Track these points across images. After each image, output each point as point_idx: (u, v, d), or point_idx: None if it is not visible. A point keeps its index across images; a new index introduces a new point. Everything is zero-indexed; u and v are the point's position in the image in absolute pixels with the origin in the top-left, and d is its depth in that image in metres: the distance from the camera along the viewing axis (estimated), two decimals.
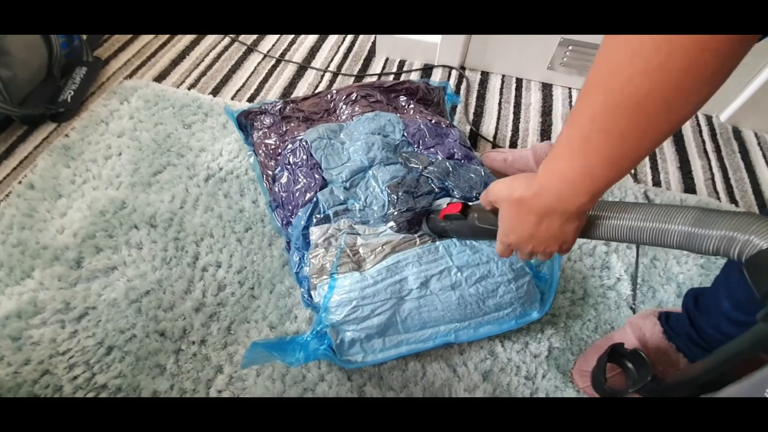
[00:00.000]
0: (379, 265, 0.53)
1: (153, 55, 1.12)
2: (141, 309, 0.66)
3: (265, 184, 0.71)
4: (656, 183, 0.94)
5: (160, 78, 1.05)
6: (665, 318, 0.56)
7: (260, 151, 0.72)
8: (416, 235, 0.57)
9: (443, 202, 0.60)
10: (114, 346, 0.63)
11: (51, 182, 0.81)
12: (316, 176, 0.62)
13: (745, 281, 0.48)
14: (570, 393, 0.63)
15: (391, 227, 0.57)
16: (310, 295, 0.55)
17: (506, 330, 0.59)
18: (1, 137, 0.89)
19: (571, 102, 1.10)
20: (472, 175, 0.63)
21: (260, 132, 0.75)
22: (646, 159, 0.98)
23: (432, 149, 0.68)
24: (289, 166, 0.65)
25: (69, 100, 0.96)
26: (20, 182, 0.81)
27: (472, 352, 0.65)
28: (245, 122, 0.79)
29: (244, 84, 1.06)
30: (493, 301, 0.56)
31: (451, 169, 0.63)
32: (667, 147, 1.02)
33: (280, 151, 0.68)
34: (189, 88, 1.02)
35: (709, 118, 1.07)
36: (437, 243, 0.56)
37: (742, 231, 0.32)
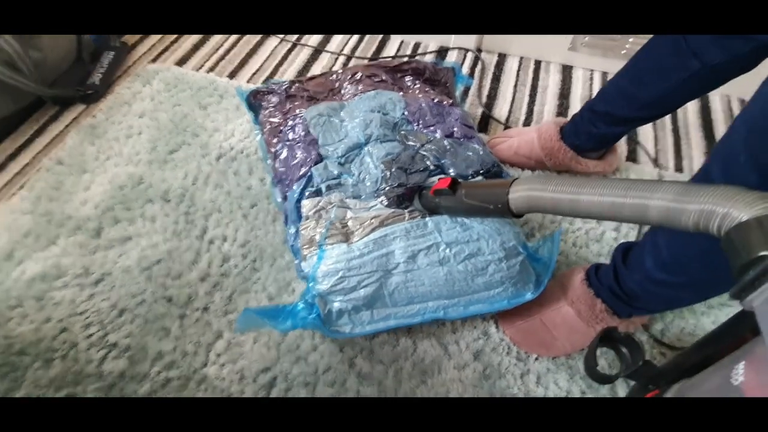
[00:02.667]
0: (366, 238, 0.54)
1: (176, 40, 1.16)
2: (151, 276, 0.70)
3: (269, 162, 0.73)
4: (678, 169, 0.89)
5: (181, 62, 1.09)
6: (595, 269, 0.60)
7: (265, 129, 0.74)
8: (406, 211, 0.57)
9: (437, 179, 0.60)
10: (125, 309, 0.67)
11: (78, 159, 0.87)
12: (313, 152, 0.63)
13: (673, 241, 0.46)
14: (563, 376, 0.62)
15: (381, 202, 0.58)
16: (302, 266, 0.57)
17: (498, 309, 0.58)
18: (34, 117, 0.96)
19: (592, 84, 1.05)
20: (470, 154, 0.62)
21: (266, 111, 0.76)
22: (669, 142, 0.93)
23: (432, 128, 0.68)
24: (288, 143, 0.67)
25: (97, 82, 1.01)
26: (50, 158, 0.87)
27: (465, 332, 0.65)
28: (255, 102, 0.82)
29: (260, 67, 1.08)
30: (482, 279, 0.55)
31: (448, 147, 0.62)
32: (694, 132, 0.96)
33: (281, 128, 0.69)
34: (208, 72, 1.06)
35: (742, 102, 1.00)
36: (426, 219, 0.56)
37: (721, 204, 0.29)
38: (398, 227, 0.55)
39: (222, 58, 1.11)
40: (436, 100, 0.72)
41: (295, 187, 0.61)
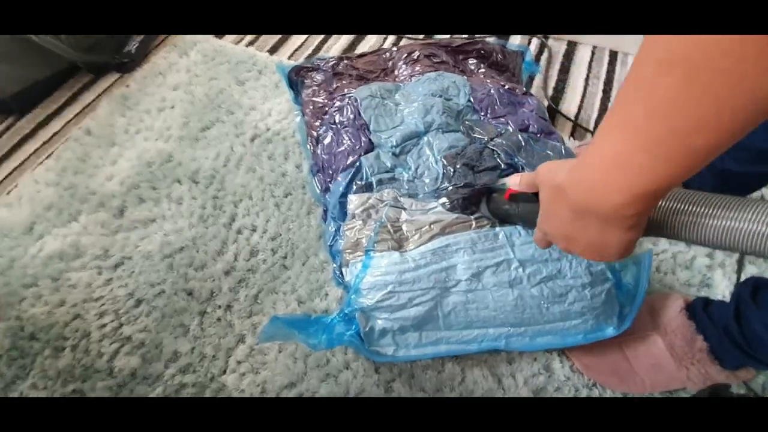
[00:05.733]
0: (423, 247, 0.45)
1: None
2: (173, 265, 0.64)
3: (309, 147, 0.64)
4: None
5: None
6: (703, 303, 0.50)
7: (307, 110, 0.65)
8: (472, 217, 0.47)
9: (510, 181, 0.50)
10: (143, 300, 0.61)
11: (107, 130, 0.81)
12: (363, 138, 0.54)
13: None
14: None
15: (443, 204, 0.48)
16: (342, 273, 0.49)
17: (571, 345, 0.48)
18: (67, 84, 0.92)
19: None
20: (549, 152, 0.52)
21: (309, 90, 0.68)
22: None
23: (502, 119, 0.57)
24: (333, 126, 0.58)
25: (133, 51, 0.96)
26: (80, 128, 0.82)
27: (523, 363, 0.55)
28: (296, 79, 0.73)
29: (303, 43, 1.00)
30: (559, 308, 0.45)
31: (523, 143, 0.52)
32: None
33: (327, 109, 0.61)
34: (248, 45, 0.99)
35: None
36: (497, 229, 0.46)
37: None
38: (463, 237, 0.45)
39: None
40: (506, 87, 0.61)
41: (340, 179, 0.53)
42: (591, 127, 0.84)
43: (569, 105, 0.87)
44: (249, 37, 1.01)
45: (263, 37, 1.01)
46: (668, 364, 0.51)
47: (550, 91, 0.89)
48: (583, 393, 0.53)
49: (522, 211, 0.42)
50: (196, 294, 0.61)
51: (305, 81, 0.71)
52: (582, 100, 0.88)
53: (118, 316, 0.60)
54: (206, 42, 0.97)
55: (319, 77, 0.70)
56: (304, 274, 0.62)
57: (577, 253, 0.32)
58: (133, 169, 0.74)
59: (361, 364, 0.55)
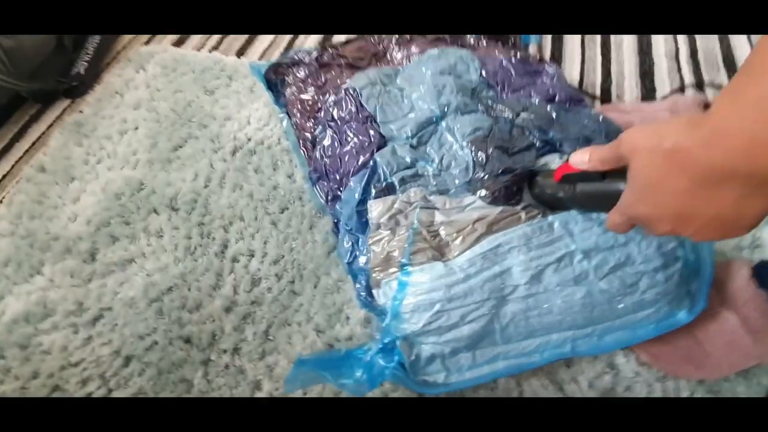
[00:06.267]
0: (470, 252, 0.38)
1: None
2: (162, 310, 0.55)
3: (302, 152, 0.56)
4: None
5: (179, 42, 0.93)
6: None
7: (294, 111, 0.57)
8: (519, 208, 0.40)
9: (551, 160, 0.43)
10: (132, 356, 0.52)
11: (63, 163, 0.71)
12: (372, 132, 0.47)
13: None
14: None
15: (482, 197, 0.41)
16: (370, 294, 0.41)
17: (642, 339, 0.42)
18: (13, 118, 0.80)
19: (676, 37, 0.86)
20: (586, 122, 0.45)
21: (293, 87, 0.60)
22: None
23: (521, 92, 0.50)
24: (332, 123, 0.50)
25: (83, 72, 0.85)
26: (31, 165, 0.71)
27: (583, 364, 0.48)
28: (275, 79, 0.65)
29: (273, 42, 0.91)
30: (631, 300, 0.39)
31: (554, 115, 0.45)
32: None
33: (319, 106, 0.52)
34: (211, 51, 0.89)
35: None
36: (549, 218, 0.39)
37: None
38: (514, 233, 0.38)
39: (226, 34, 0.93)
40: (518, 56, 0.54)
41: (352, 183, 0.44)
42: (597, 93, 0.78)
43: (570, 73, 0.81)
44: (212, 42, 0.92)
45: (227, 40, 0.92)
46: (743, 341, 0.46)
47: (547, 59, 0.83)
48: (657, 389, 0.46)
49: (582, 193, 0.35)
50: (195, 340, 0.52)
51: (286, 79, 0.62)
52: (582, 66, 0.83)
53: (105, 381, 0.50)
54: (164, 52, 0.87)
55: (302, 72, 0.62)
56: (317, 298, 0.54)
57: (688, 233, 0.25)
58: (100, 205, 0.64)
59: (402, 394, 0.47)
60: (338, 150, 0.48)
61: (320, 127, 0.51)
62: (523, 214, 0.39)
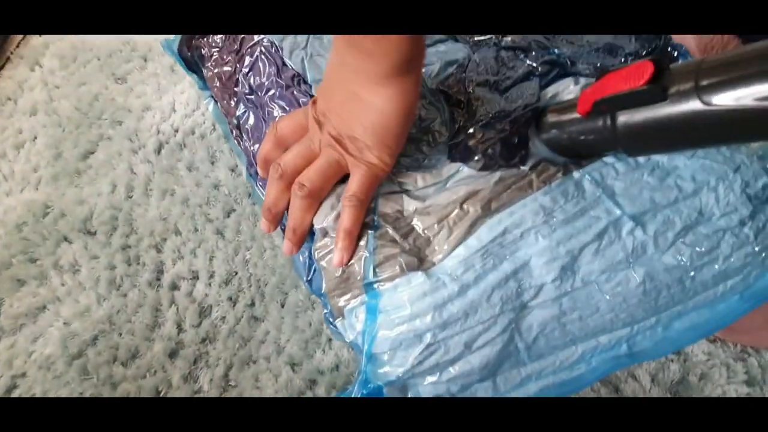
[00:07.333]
0: (463, 248, 0.25)
1: None
2: (87, 367, 0.42)
3: (234, 139, 0.43)
4: None
5: None
6: None
7: (216, 91, 0.43)
8: (527, 168, 0.27)
9: (562, 89, 0.30)
10: None
11: None
12: (303, 99, 0.33)
13: None
14: None
15: (470, 164, 0.27)
16: (337, 326, 0.28)
17: (723, 325, 0.30)
18: None
19: None
20: None
21: (212, 61, 0.45)
22: None
23: None
24: (251, 97, 0.36)
25: None
26: None
27: None
28: (192, 55, 0.50)
29: None
30: (710, 271, 0.27)
31: None
32: None
33: (237, 77, 0.38)
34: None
35: None
36: (574, 174, 0.27)
37: None
38: (525, 208, 0.25)
39: None
40: None
41: None
42: None
43: None
44: None
45: None
46: None
47: None
48: (739, 370, 0.36)
49: (626, 124, 0.22)
50: None
51: (203, 51, 0.48)
52: None
53: None
54: (61, 41, 0.70)
55: (218, 39, 0.47)
56: (287, 321, 0.42)
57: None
58: None
59: None
60: (264, 128, 0.34)
61: (241, 105, 0.37)
62: (533, 177, 0.26)
